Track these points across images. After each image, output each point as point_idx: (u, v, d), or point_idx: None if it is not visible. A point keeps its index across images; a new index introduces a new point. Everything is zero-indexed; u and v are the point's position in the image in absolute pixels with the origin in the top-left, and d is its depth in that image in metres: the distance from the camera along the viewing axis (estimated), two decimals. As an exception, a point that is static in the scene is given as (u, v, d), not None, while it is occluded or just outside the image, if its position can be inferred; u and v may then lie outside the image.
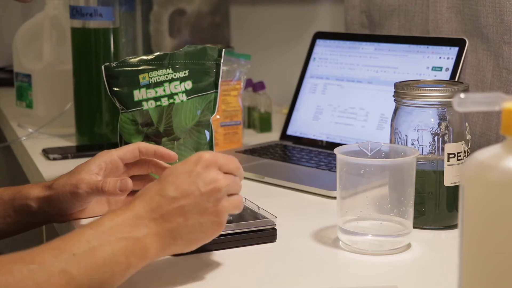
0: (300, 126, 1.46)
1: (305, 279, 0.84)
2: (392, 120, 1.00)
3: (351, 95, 1.40)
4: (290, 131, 1.47)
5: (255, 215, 0.96)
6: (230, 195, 0.82)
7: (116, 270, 0.75)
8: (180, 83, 1.09)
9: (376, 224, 0.92)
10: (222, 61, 1.11)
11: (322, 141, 1.41)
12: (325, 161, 1.29)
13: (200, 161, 0.80)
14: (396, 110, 1.00)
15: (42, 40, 1.67)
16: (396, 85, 1.00)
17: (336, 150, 0.92)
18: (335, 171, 0.93)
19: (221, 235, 0.91)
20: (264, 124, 1.63)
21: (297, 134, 1.46)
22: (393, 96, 1.00)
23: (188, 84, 1.09)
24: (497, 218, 0.55)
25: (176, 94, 1.09)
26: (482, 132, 1.24)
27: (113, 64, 1.09)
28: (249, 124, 1.66)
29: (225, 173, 0.82)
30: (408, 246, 0.92)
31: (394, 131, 1.00)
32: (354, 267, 0.88)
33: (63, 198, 0.97)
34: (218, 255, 0.90)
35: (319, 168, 1.26)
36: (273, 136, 1.56)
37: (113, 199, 1.02)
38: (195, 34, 2.02)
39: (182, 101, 1.09)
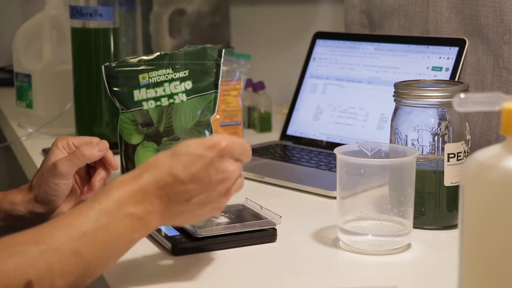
0: (300, 126, 1.46)
1: (305, 279, 0.84)
2: (392, 120, 1.00)
3: (351, 95, 1.40)
4: (290, 131, 1.47)
5: (255, 215, 0.96)
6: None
7: (120, 246, 0.77)
8: (180, 83, 1.09)
9: (376, 224, 0.92)
10: (222, 61, 1.11)
11: (322, 141, 1.41)
12: (325, 161, 1.29)
13: (216, 148, 0.78)
14: (396, 110, 1.00)
15: (42, 40, 1.67)
16: (396, 85, 1.00)
17: (336, 150, 0.92)
18: (335, 171, 0.93)
19: (221, 235, 0.91)
20: (264, 124, 1.63)
21: (297, 134, 1.46)
22: (393, 96, 1.00)
23: (188, 84, 1.10)
24: (497, 218, 0.55)
25: (176, 94, 1.09)
26: (482, 132, 1.24)
27: (113, 64, 1.09)
28: (249, 124, 1.66)
29: (236, 159, 0.81)
30: (408, 246, 0.92)
31: (394, 131, 1.00)
32: (354, 267, 0.88)
33: (47, 187, 0.99)
34: (218, 255, 0.90)
35: (319, 168, 1.26)
36: (273, 136, 1.56)
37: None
38: (195, 34, 2.02)
39: (182, 101, 1.09)
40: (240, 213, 0.97)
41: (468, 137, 0.99)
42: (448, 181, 0.97)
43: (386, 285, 0.80)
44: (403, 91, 0.98)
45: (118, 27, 1.46)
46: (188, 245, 0.89)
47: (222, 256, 0.89)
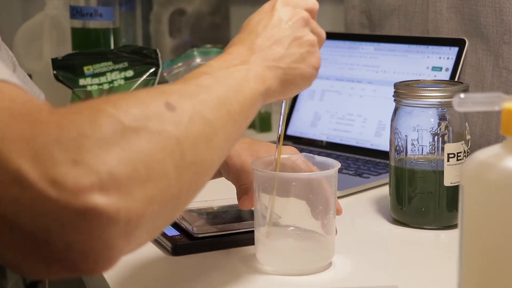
0: (300, 126, 1.46)
1: (306, 278, 0.84)
2: (392, 120, 1.00)
3: (349, 101, 1.39)
4: (290, 131, 1.47)
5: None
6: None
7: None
8: (120, 72, 1.30)
9: (296, 242, 0.86)
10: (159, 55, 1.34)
11: (322, 141, 1.41)
12: (325, 161, 1.29)
13: (277, 1, 0.82)
14: (396, 110, 1.00)
15: (42, 40, 1.67)
16: (396, 85, 1.00)
17: (252, 163, 0.85)
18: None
19: (221, 235, 0.91)
20: (264, 124, 1.63)
21: (297, 134, 1.45)
22: (393, 96, 1.00)
23: (129, 73, 1.32)
24: (497, 218, 0.55)
25: (116, 80, 1.31)
26: (482, 132, 1.24)
27: (60, 58, 1.33)
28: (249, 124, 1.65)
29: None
30: (330, 264, 0.86)
31: (394, 131, 1.00)
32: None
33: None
34: (217, 255, 0.90)
35: (319, 168, 1.25)
36: (273, 136, 1.56)
37: None
38: (195, 34, 2.02)
39: (120, 84, 1.30)
40: (239, 213, 0.97)
41: (468, 137, 0.99)
42: (448, 181, 0.97)
43: (386, 285, 0.80)
44: (403, 91, 0.98)
45: (118, 27, 1.46)
46: (188, 245, 0.89)
47: (222, 256, 0.89)
